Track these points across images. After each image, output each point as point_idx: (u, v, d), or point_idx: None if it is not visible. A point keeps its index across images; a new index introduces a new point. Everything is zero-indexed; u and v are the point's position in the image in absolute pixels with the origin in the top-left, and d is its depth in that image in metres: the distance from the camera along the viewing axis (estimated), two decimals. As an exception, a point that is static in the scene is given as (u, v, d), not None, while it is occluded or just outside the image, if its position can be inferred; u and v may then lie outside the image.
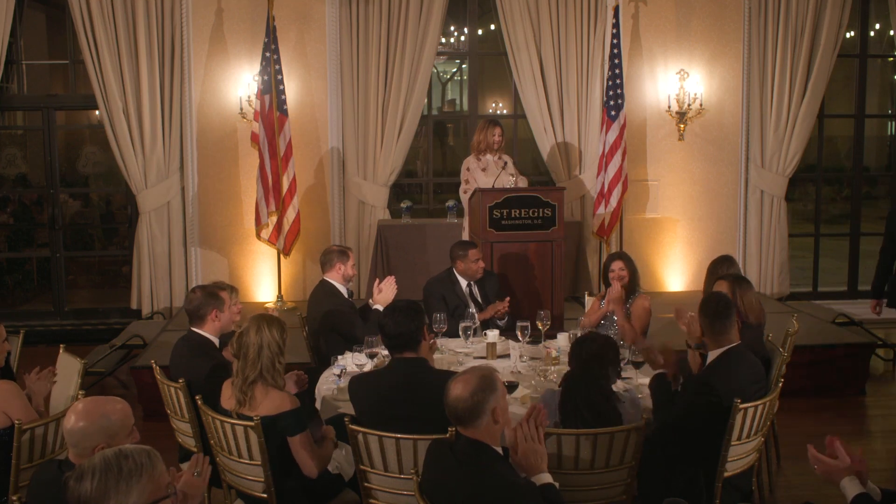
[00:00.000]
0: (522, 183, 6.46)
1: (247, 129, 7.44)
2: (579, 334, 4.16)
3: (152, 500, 2.06)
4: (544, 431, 2.79)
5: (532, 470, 2.68)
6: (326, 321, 4.86)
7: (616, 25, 7.36)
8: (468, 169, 6.59)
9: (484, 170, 6.53)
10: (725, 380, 3.49)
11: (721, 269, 4.71)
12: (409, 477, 2.80)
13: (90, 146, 10.35)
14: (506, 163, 6.58)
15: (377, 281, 5.15)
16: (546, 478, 2.69)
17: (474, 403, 2.60)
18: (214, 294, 4.06)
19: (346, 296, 5.04)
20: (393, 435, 3.07)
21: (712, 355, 3.65)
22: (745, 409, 3.40)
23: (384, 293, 4.96)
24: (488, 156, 6.56)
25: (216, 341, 4.06)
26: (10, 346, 3.98)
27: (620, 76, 7.30)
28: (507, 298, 5.18)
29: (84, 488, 2.00)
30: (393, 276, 5.11)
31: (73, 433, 2.50)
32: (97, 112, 7.90)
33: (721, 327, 3.60)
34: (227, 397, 3.44)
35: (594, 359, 3.34)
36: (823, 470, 2.62)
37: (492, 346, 4.48)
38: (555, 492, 2.68)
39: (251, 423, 3.25)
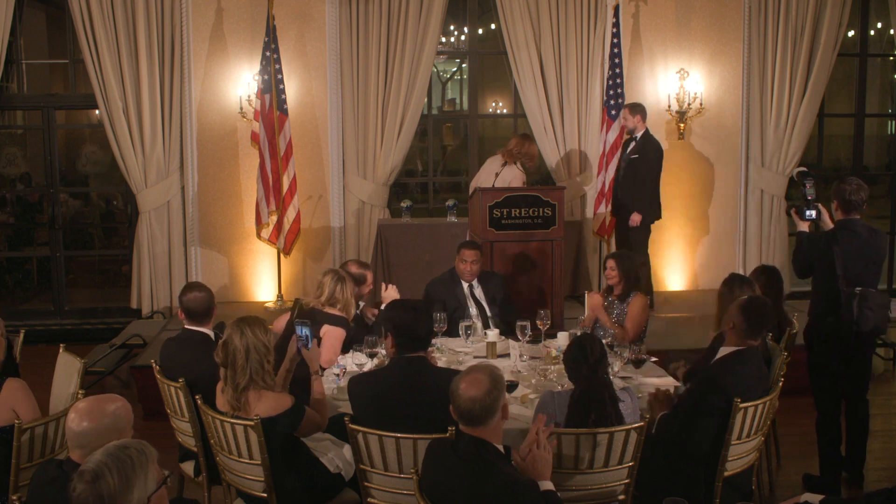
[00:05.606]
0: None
1: (247, 129, 7.45)
2: (579, 333, 4.16)
3: (159, 483, 2.16)
4: (547, 438, 2.81)
5: (537, 476, 2.70)
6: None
7: (616, 25, 7.36)
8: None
9: (497, 174, 6.78)
10: (732, 378, 3.49)
11: (766, 278, 4.68)
12: (409, 476, 2.81)
13: (90, 145, 10.33)
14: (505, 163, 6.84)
15: (383, 285, 5.11)
16: (548, 485, 2.72)
17: (490, 402, 2.62)
18: (209, 289, 4.11)
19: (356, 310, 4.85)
20: (393, 434, 3.07)
21: (724, 350, 3.64)
22: (746, 409, 3.40)
23: (389, 293, 4.96)
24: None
25: (213, 335, 4.08)
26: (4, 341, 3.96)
27: (621, 75, 7.30)
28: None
29: (107, 485, 2.05)
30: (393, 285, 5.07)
31: (81, 434, 2.49)
32: (97, 111, 7.90)
33: (753, 331, 3.58)
34: (223, 403, 3.43)
35: (603, 358, 3.34)
36: None
37: (492, 345, 4.49)
38: (556, 498, 2.71)
39: (251, 423, 3.25)
